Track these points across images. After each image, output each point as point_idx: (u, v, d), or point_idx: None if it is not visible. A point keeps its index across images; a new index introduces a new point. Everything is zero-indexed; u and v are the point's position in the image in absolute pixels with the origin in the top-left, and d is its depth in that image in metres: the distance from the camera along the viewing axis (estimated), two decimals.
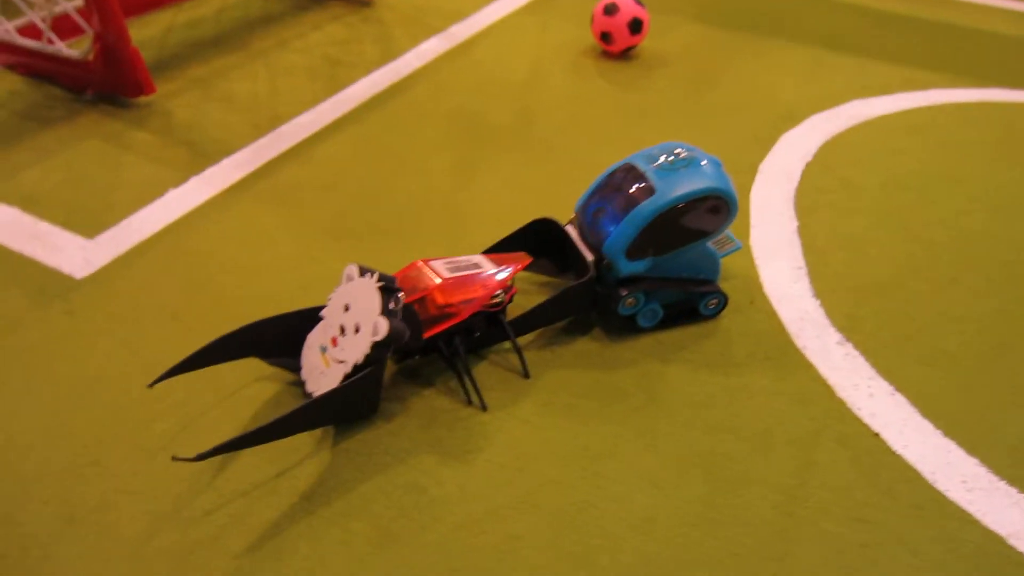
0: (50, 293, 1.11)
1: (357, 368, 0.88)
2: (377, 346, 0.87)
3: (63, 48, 1.53)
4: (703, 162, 1.03)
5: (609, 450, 0.92)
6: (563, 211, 1.32)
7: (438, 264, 0.98)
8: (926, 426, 0.97)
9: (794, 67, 1.78)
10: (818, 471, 0.91)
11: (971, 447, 0.94)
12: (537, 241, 1.14)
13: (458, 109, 1.58)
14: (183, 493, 0.86)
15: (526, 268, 1.13)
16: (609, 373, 1.02)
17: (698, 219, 1.01)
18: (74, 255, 1.18)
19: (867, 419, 0.98)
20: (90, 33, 1.47)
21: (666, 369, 1.03)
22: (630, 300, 1.04)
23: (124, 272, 1.15)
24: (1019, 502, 0.88)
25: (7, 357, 1.01)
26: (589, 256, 1.06)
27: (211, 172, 1.37)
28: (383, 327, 0.86)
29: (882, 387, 1.02)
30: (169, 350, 1.03)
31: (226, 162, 1.39)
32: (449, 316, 0.94)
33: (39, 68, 1.61)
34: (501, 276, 0.99)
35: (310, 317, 0.97)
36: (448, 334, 0.96)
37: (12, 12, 1.69)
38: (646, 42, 1.86)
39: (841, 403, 1.00)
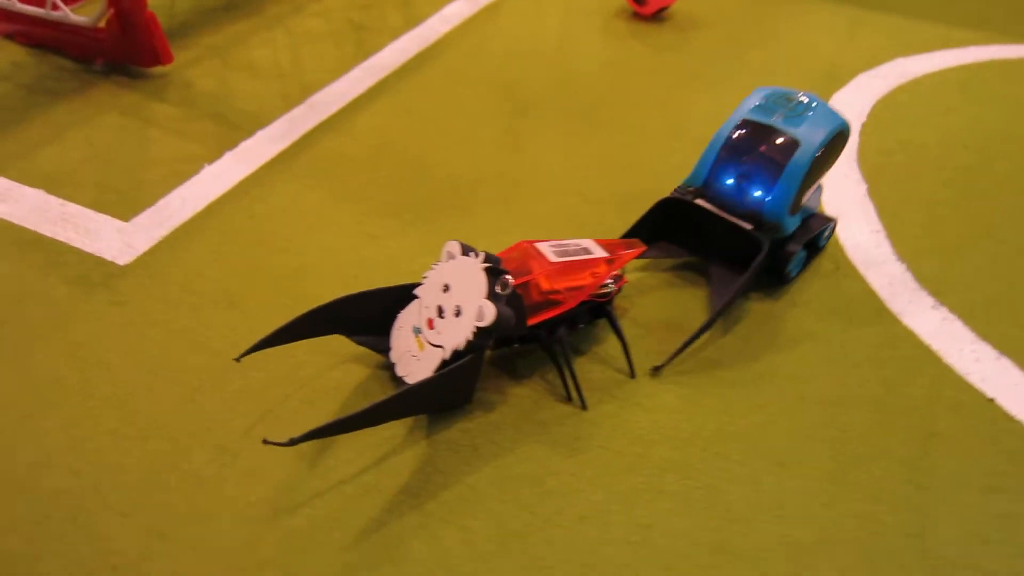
0: (93, 281, 1.01)
1: (456, 354, 0.81)
2: (481, 332, 0.79)
3: (70, 14, 1.40)
4: (815, 103, 1.01)
5: (726, 430, 0.86)
6: (625, 180, 1.24)
7: (544, 246, 0.90)
8: None
9: (833, 27, 1.72)
10: (941, 441, 0.86)
11: None
12: (661, 224, 1.06)
13: (495, 76, 1.49)
14: (277, 493, 0.78)
15: (655, 256, 1.07)
16: (709, 351, 0.96)
17: (830, 157, 1.02)
18: (112, 239, 1.07)
19: (978, 384, 0.93)
20: None
21: (764, 342, 0.97)
22: (791, 255, 1.02)
23: (171, 256, 1.05)
24: None
25: (58, 354, 0.92)
26: (745, 226, 0.99)
27: (246, 146, 1.26)
28: (489, 312, 0.78)
29: (986, 351, 0.97)
30: (232, 338, 0.94)
31: (261, 135, 1.29)
32: (554, 304, 0.87)
33: (42, 37, 1.48)
34: (612, 264, 0.91)
35: (402, 295, 0.89)
36: (551, 323, 0.88)
37: None
38: (679, 4, 1.78)
39: (949, 369, 0.95)
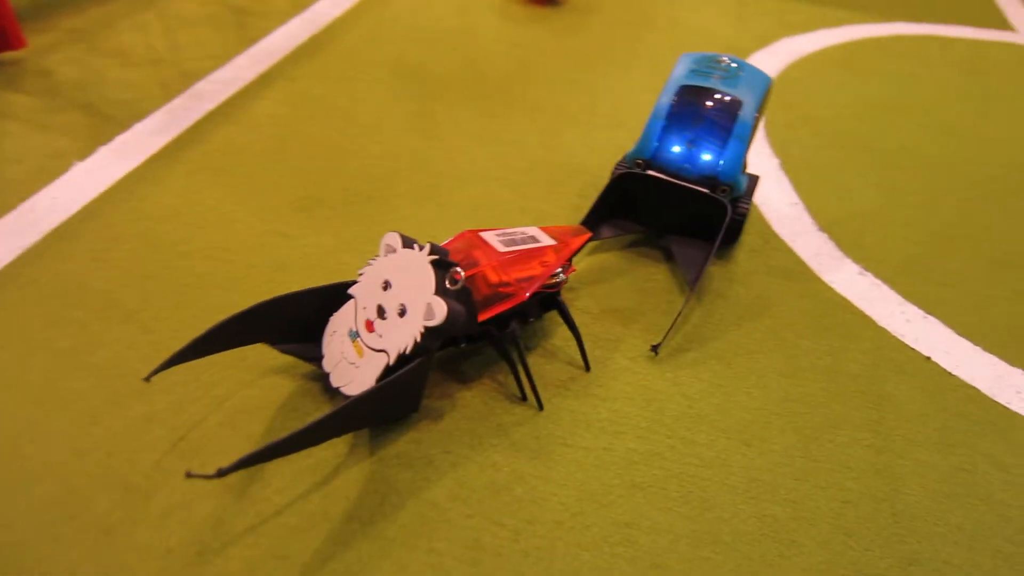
0: None
1: (402, 359, 0.71)
2: (430, 332, 0.70)
3: None
4: (741, 63, 1.01)
5: (687, 414, 0.81)
6: (545, 162, 1.18)
7: (490, 235, 0.81)
8: (966, 344, 0.94)
9: (723, 11, 1.73)
10: (891, 404, 0.85)
11: (1012, 359, 0.92)
12: (613, 202, 1.02)
13: (397, 60, 1.39)
14: (202, 533, 0.66)
15: (608, 235, 1.01)
16: (654, 336, 0.91)
17: (763, 114, 1.03)
18: None
19: (913, 345, 0.93)
20: None
21: (708, 322, 0.93)
22: (748, 213, 1.02)
23: (45, 266, 0.89)
24: None
25: None
26: (701, 190, 0.96)
27: (123, 140, 1.10)
28: (440, 309, 0.69)
29: (914, 312, 0.98)
30: (130, 357, 0.80)
31: (139, 127, 1.13)
32: (505, 297, 0.78)
33: None
34: (560, 252, 0.84)
35: (334, 295, 0.78)
36: (502, 318, 0.80)
37: None
38: None
39: (884, 331, 0.94)
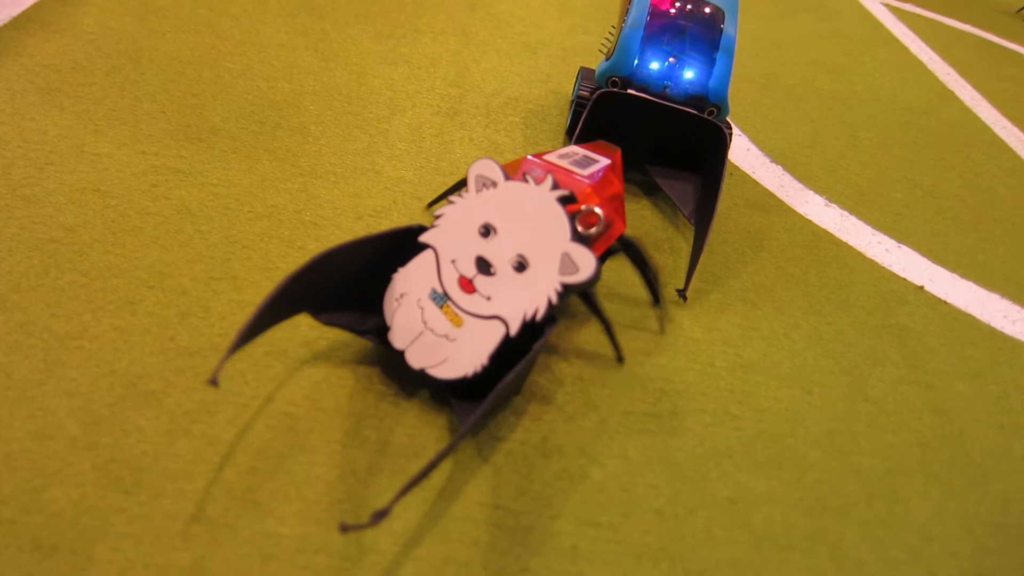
0: None
1: (527, 328, 0.52)
2: (568, 290, 0.52)
3: None
4: None
5: (735, 362, 0.69)
6: (476, 87, 1.00)
7: (553, 157, 0.62)
8: (944, 272, 0.91)
9: None
10: (912, 336, 0.79)
11: (987, 284, 0.91)
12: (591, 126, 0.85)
13: None
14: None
15: None
16: (663, 277, 0.77)
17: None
18: None
19: (902, 274, 0.88)
20: None
21: (711, 258, 0.81)
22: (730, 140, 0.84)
23: None
24: None
25: None
26: (689, 111, 0.82)
27: None
28: (588, 262, 0.51)
29: (889, 242, 0.94)
30: (16, 361, 0.51)
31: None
32: (604, 232, 0.60)
33: None
34: (616, 170, 0.66)
35: (392, 246, 0.56)
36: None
37: None
38: None
39: (873, 263, 0.89)
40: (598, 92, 0.82)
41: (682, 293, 0.74)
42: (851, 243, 0.91)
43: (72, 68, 0.80)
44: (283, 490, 0.48)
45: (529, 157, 0.62)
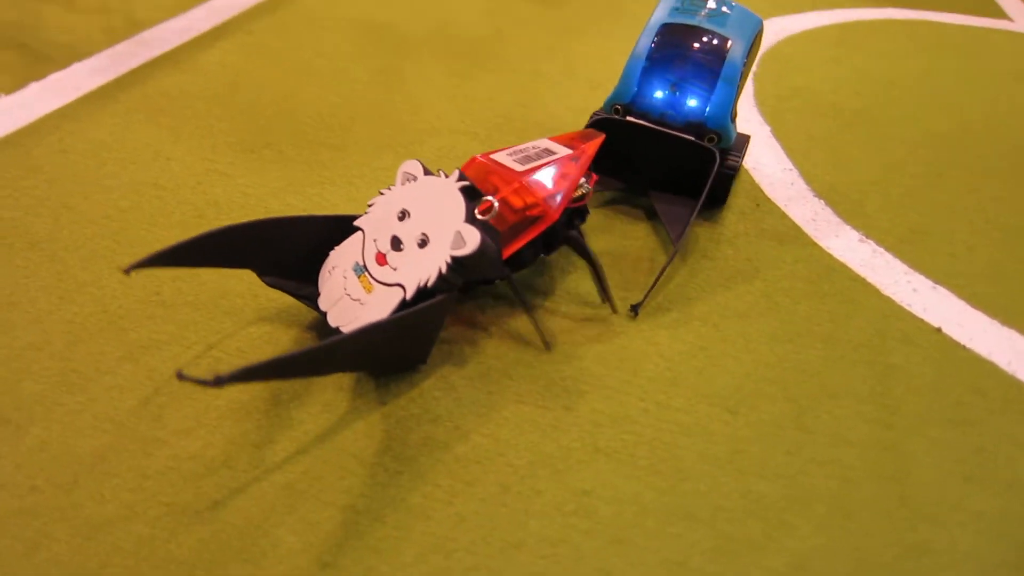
0: None
1: (422, 293, 0.60)
2: (457, 264, 0.60)
3: None
4: (727, 2, 0.90)
5: (664, 376, 0.70)
6: (517, 118, 1.08)
7: (501, 156, 0.71)
8: (980, 317, 0.83)
9: None
10: (899, 374, 0.74)
11: None
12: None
13: (364, 20, 1.28)
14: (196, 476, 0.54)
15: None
16: (632, 294, 0.79)
17: (752, 57, 0.90)
18: None
19: (922, 315, 0.82)
20: None
21: (695, 283, 0.82)
22: (740, 169, 0.89)
23: None
24: None
25: None
26: (687, 137, 0.85)
27: (57, 78, 0.99)
28: (472, 237, 0.59)
29: (922, 281, 0.87)
30: (28, 286, 0.68)
31: (77, 67, 1.02)
32: (534, 220, 0.67)
33: None
34: (579, 161, 0.73)
35: (333, 228, 0.67)
36: (526, 251, 0.69)
37: None
38: None
39: (890, 300, 0.83)
40: (595, 118, 0.87)
41: (635, 308, 0.75)
42: (869, 279, 0.86)
43: (179, 95, 1.00)
44: (189, 411, 0.59)
45: (477, 157, 0.70)
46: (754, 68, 1.32)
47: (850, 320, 0.79)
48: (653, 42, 0.86)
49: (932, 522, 0.60)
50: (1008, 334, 0.81)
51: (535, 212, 0.67)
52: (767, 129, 1.14)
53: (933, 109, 1.27)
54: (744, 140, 0.95)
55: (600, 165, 0.90)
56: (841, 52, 1.43)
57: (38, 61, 1.02)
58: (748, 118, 1.16)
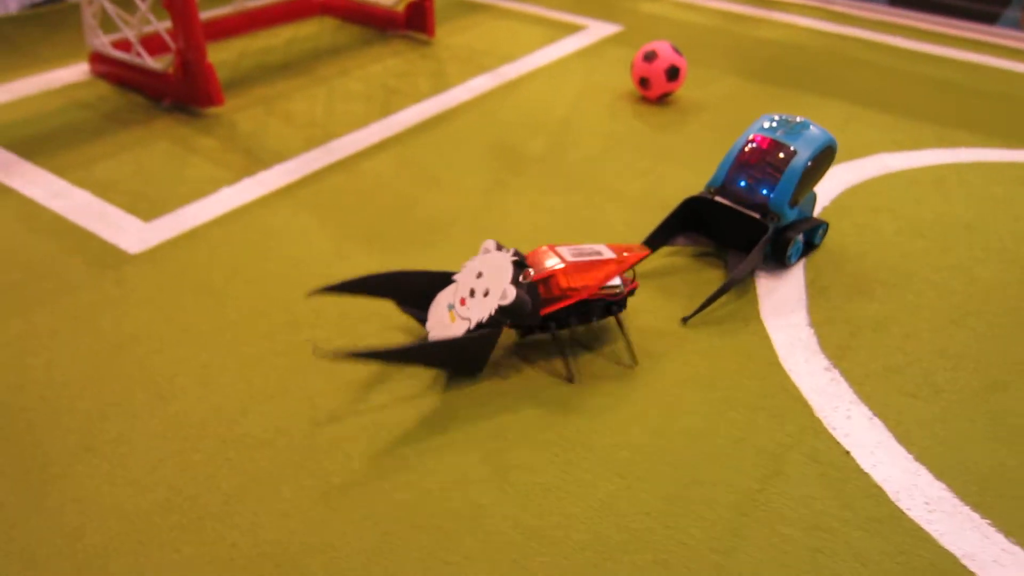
0: (106, 264, 1.24)
1: (479, 326, 1.02)
2: (501, 310, 1.00)
3: (149, 61, 1.70)
4: (810, 124, 1.27)
5: (584, 443, 0.97)
6: (585, 235, 1.39)
7: (564, 249, 1.10)
8: (899, 450, 0.99)
9: (825, 120, 1.83)
10: (783, 480, 0.94)
11: (940, 473, 0.95)
12: (688, 218, 1.33)
13: (497, 140, 1.68)
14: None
15: (675, 242, 1.33)
16: (597, 366, 1.08)
17: (821, 166, 1.26)
18: (132, 235, 1.31)
19: (841, 438, 1.00)
20: (173, 50, 1.64)
21: (648, 378, 1.08)
22: (792, 241, 1.27)
23: (172, 253, 1.27)
24: (980, 527, 0.89)
25: (62, 312, 1.14)
26: (753, 215, 1.26)
27: (263, 176, 1.50)
28: (511, 294, 0.99)
29: (862, 411, 1.04)
30: (201, 321, 1.13)
31: (278, 168, 1.52)
32: (565, 297, 1.06)
33: (126, 78, 1.80)
34: (620, 265, 1.10)
35: (443, 279, 1.12)
36: (563, 315, 1.08)
37: (108, 27, 1.89)
38: (684, 91, 1.94)
39: (818, 422, 1.02)
40: (687, 198, 1.29)
41: (685, 319, 1.16)
42: (811, 401, 1.05)
43: (335, 192, 1.46)
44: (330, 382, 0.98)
45: (544, 246, 1.10)
46: (824, 204, 1.51)
47: (770, 431, 1.00)
48: (743, 146, 1.25)
49: None
50: (916, 469, 0.96)
51: (572, 293, 1.05)
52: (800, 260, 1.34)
53: (990, 258, 1.37)
54: (819, 223, 1.33)
55: (695, 228, 1.33)
56: (933, 193, 1.56)
57: (254, 162, 1.54)
58: None
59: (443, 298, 1.08)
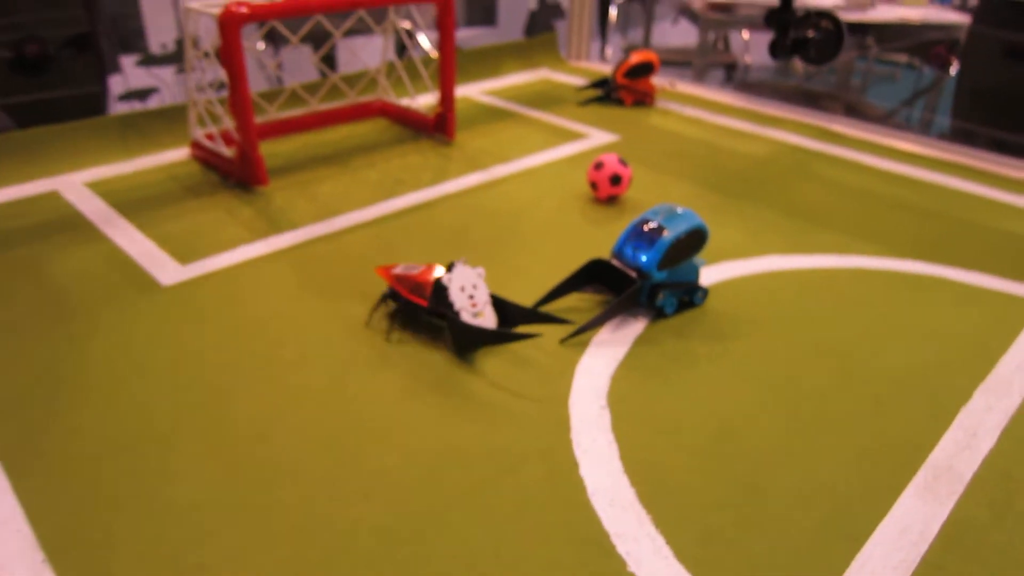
0: (144, 290, 1.90)
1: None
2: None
3: (223, 149, 2.43)
4: (684, 212, 1.81)
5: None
6: (523, 295, 1.89)
7: (399, 268, 1.78)
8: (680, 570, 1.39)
9: (748, 223, 2.21)
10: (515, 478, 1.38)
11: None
12: (590, 276, 1.89)
13: (457, 224, 2.22)
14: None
15: (585, 291, 1.88)
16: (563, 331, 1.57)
17: (690, 242, 1.79)
18: (169, 272, 1.97)
19: (624, 556, 1.42)
20: (236, 142, 2.35)
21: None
22: (661, 295, 1.80)
23: (194, 290, 1.91)
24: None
25: (107, 320, 1.79)
26: (633, 275, 1.81)
27: (271, 240, 2.13)
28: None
29: (658, 539, 1.45)
30: (209, 340, 1.74)
31: (287, 235, 2.15)
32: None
33: (209, 161, 2.54)
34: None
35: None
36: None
37: (200, 123, 2.67)
38: (635, 194, 2.40)
39: (613, 550, 1.45)
40: (592, 259, 1.84)
41: (564, 340, 1.70)
42: (605, 524, 1.48)
43: (315, 258, 2.05)
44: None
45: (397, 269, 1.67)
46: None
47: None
48: (634, 226, 1.80)
49: None
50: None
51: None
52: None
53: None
54: (696, 288, 1.85)
55: (597, 281, 1.87)
56: (793, 295, 1.91)
57: (272, 228, 2.18)
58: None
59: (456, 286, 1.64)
